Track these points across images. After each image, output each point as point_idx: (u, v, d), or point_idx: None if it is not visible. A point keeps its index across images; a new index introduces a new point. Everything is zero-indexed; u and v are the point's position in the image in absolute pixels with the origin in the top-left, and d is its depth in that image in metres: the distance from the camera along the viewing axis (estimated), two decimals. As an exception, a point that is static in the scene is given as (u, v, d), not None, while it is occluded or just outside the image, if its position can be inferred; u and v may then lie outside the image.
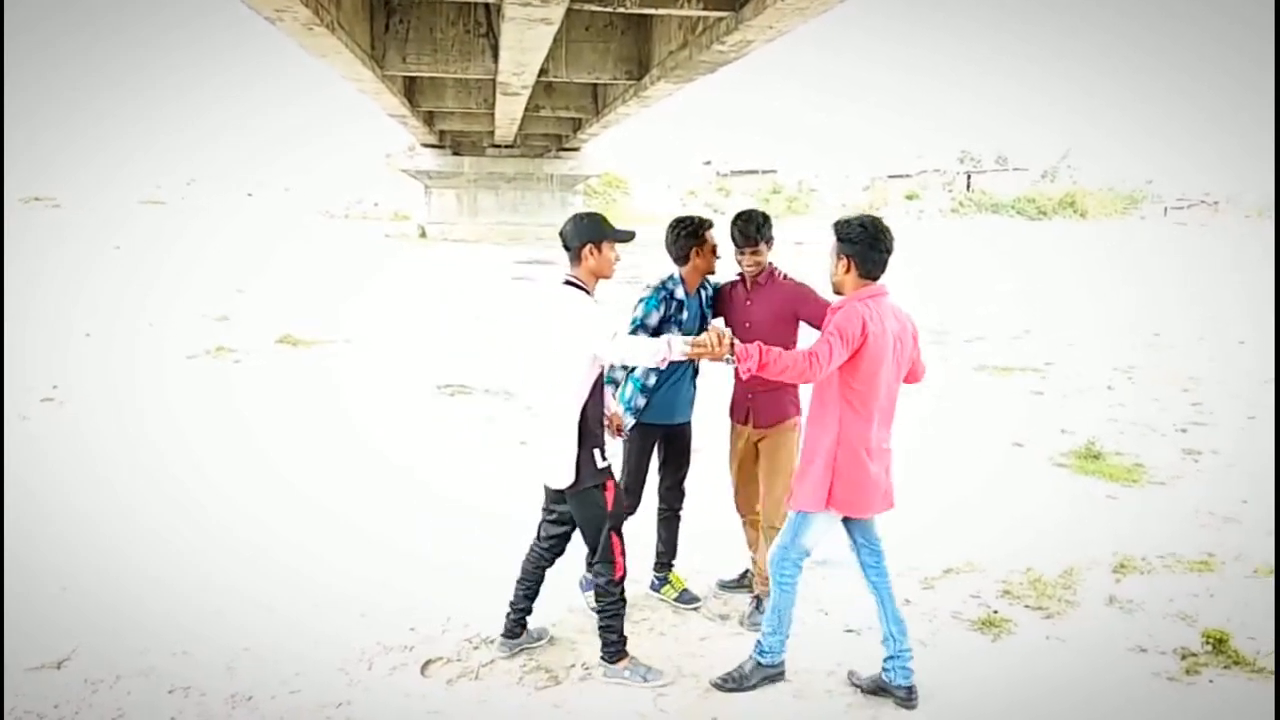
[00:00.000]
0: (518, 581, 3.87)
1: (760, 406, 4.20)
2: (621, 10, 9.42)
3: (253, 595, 4.29)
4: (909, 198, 48.05)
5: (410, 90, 18.41)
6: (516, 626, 3.87)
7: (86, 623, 4.00)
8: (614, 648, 3.67)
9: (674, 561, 4.45)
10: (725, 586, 4.51)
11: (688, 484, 4.44)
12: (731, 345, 3.35)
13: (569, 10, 9.19)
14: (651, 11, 9.42)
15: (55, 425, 7.18)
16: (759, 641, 3.66)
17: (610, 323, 3.54)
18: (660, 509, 4.44)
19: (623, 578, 3.65)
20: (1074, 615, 4.28)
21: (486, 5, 12.43)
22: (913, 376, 3.69)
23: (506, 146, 28.76)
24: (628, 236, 3.74)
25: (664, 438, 4.31)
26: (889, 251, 3.44)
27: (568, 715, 3.44)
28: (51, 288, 14.63)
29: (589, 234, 3.62)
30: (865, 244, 3.41)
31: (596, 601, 3.70)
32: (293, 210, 37.64)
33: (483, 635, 3.95)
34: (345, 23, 10.75)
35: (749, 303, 4.16)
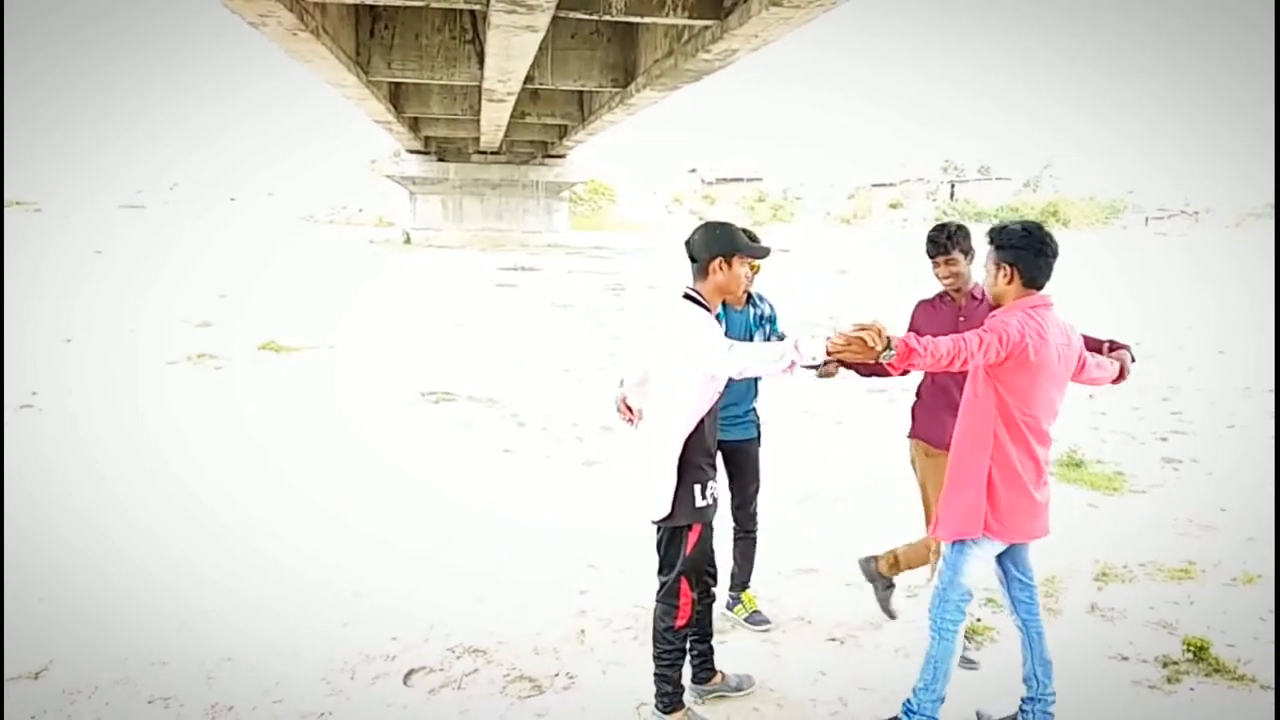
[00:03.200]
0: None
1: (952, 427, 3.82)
2: (607, 18, 9.45)
3: (232, 604, 4.26)
4: (892, 206, 48.33)
5: (395, 96, 18.38)
6: (700, 670, 3.60)
7: (65, 633, 3.95)
8: (668, 698, 3.38)
9: (748, 582, 4.29)
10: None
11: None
12: (888, 340, 2.89)
13: (555, 18, 9.21)
14: (637, 20, 9.44)
15: (36, 430, 7.10)
16: (908, 702, 3.25)
17: (724, 338, 3.22)
18: (734, 529, 4.25)
19: (683, 627, 3.35)
20: (1056, 623, 4.29)
21: (472, 12, 12.44)
22: (1093, 380, 3.38)
23: (492, 153, 28.80)
24: (764, 252, 3.36)
25: (726, 456, 4.05)
26: (1055, 256, 3.15)
27: (551, 725, 3.42)
28: (32, 293, 14.50)
29: (720, 246, 3.23)
30: (1030, 250, 3.12)
31: (654, 645, 3.39)
32: (276, 216, 37.48)
33: (465, 644, 3.93)
34: (330, 28, 10.73)
35: (962, 319, 3.85)
